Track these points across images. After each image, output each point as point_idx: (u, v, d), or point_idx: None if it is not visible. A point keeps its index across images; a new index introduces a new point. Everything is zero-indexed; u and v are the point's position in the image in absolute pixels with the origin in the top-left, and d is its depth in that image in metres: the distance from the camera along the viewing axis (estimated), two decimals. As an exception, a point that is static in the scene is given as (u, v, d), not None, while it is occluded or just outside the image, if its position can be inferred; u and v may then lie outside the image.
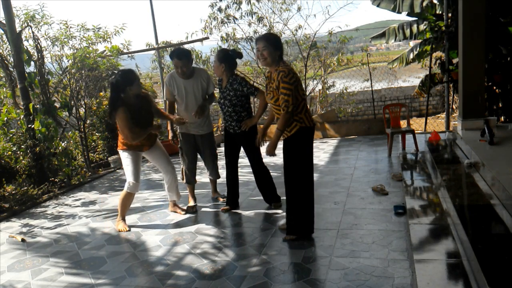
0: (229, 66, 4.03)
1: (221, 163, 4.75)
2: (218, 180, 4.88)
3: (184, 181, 4.59)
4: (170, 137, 4.45)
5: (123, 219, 4.24)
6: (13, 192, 5.67)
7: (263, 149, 3.88)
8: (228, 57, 4.04)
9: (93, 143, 8.18)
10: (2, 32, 6.20)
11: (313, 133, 3.39)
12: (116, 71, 7.11)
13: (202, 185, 5.35)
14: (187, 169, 4.50)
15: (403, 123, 6.59)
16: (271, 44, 3.24)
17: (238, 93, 4.02)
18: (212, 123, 4.67)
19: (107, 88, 7.76)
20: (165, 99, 4.39)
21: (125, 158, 4.07)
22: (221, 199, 4.72)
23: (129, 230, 4.13)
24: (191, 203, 4.56)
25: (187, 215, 4.41)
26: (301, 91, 3.27)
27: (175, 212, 4.54)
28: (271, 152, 3.40)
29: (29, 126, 5.90)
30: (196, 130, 4.35)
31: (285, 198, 3.53)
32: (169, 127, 4.47)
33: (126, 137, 3.88)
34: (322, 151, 6.89)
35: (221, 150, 8.00)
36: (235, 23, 8.87)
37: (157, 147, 4.26)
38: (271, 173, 4.35)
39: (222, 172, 4.70)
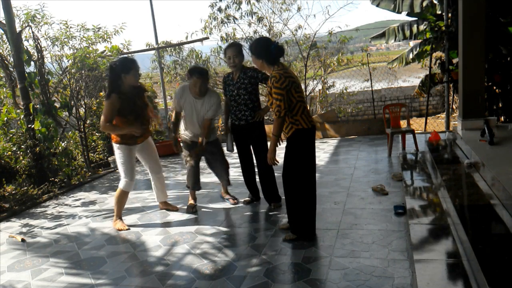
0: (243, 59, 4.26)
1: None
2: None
3: (190, 187, 4.55)
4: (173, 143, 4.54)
5: (120, 218, 4.24)
6: (13, 192, 5.67)
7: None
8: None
9: (93, 143, 8.18)
10: (2, 32, 6.21)
11: (312, 135, 3.36)
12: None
13: (202, 185, 5.33)
14: (192, 175, 4.45)
15: (403, 123, 6.59)
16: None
17: (253, 80, 4.16)
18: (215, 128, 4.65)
19: (107, 87, 7.76)
20: (172, 108, 4.41)
21: (119, 154, 4.05)
22: (232, 201, 4.65)
23: (129, 229, 4.14)
24: (191, 202, 4.55)
25: (187, 215, 4.41)
26: (296, 93, 3.23)
27: (168, 209, 4.59)
28: (271, 159, 3.38)
29: (29, 126, 5.90)
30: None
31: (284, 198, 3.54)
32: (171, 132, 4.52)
33: (101, 122, 3.89)
34: (322, 151, 6.89)
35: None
36: (235, 23, 8.88)
37: (148, 145, 4.25)
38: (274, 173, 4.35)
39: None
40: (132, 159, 4.10)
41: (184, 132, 4.42)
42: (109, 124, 3.87)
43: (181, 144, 4.52)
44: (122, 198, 4.18)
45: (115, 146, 4.08)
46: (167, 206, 4.62)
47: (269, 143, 3.72)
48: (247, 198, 4.60)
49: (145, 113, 4.14)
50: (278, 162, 3.42)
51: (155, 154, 4.34)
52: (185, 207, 4.57)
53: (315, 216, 3.48)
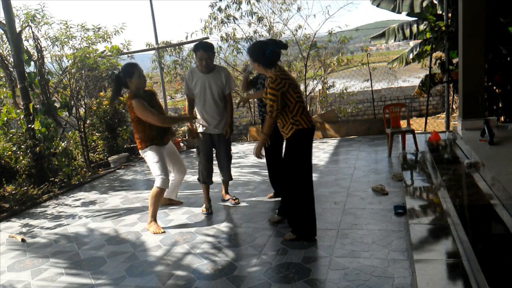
0: None
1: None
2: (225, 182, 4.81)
3: (201, 180, 4.47)
4: (190, 125, 4.43)
5: (155, 220, 4.10)
6: (13, 192, 5.67)
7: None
8: None
9: (93, 143, 8.18)
10: (2, 32, 6.21)
11: (311, 135, 3.40)
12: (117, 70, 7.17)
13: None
14: (204, 168, 4.41)
15: (403, 123, 6.59)
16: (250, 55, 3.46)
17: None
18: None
19: (107, 88, 7.78)
20: (186, 94, 4.43)
21: (151, 155, 4.05)
22: (233, 201, 4.64)
23: (164, 232, 4.00)
24: (207, 204, 4.49)
25: (187, 215, 4.42)
26: (295, 94, 3.28)
27: (172, 203, 4.70)
28: (257, 154, 3.46)
29: (29, 126, 5.90)
30: (213, 129, 4.31)
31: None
32: (189, 125, 4.46)
33: (157, 121, 3.91)
34: (322, 151, 6.89)
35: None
36: (235, 23, 8.89)
37: (173, 147, 4.34)
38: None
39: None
40: (163, 157, 4.11)
41: (200, 123, 4.33)
42: (160, 117, 3.95)
43: (199, 135, 4.42)
44: (159, 197, 4.08)
45: (145, 151, 4.05)
46: (171, 202, 4.73)
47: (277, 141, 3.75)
48: (271, 194, 4.67)
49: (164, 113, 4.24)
50: (262, 156, 3.53)
51: (179, 154, 4.47)
52: (184, 204, 4.57)
53: (315, 216, 3.49)
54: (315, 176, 5.23)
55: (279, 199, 4.55)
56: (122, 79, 3.99)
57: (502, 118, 6.90)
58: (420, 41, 9.13)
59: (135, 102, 3.86)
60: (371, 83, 9.04)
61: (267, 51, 3.30)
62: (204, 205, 4.50)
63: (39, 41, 6.32)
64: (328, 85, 10.16)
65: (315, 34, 8.96)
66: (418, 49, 9.30)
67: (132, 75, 3.95)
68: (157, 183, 4.02)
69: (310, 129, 3.34)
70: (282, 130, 3.40)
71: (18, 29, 6.01)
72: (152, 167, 4.07)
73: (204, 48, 4.16)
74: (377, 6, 8.97)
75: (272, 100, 3.21)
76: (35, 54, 6.29)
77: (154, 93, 4.33)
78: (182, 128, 9.00)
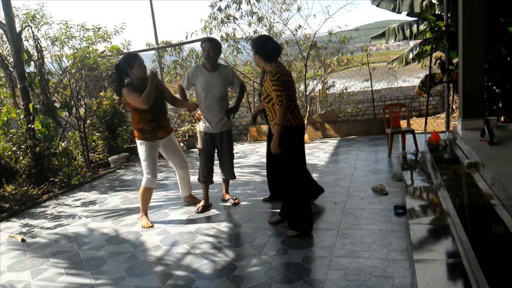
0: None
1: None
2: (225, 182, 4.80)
3: (201, 180, 4.48)
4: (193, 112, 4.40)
5: (146, 215, 4.27)
6: (13, 192, 5.67)
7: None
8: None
9: (93, 143, 8.18)
10: (2, 32, 6.21)
11: (300, 133, 3.51)
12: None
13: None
14: (205, 168, 4.41)
15: (403, 123, 6.59)
16: (254, 47, 3.55)
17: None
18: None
19: (107, 88, 7.78)
20: (181, 84, 4.42)
21: (141, 150, 4.10)
22: (233, 201, 4.63)
23: (152, 226, 4.16)
24: (202, 202, 4.51)
25: (187, 215, 4.42)
26: (289, 92, 3.38)
27: (193, 202, 4.67)
28: (275, 149, 3.42)
29: (29, 126, 5.90)
30: (215, 128, 4.30)
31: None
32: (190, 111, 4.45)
33: (141, 103, 3.85)
34: (322, 151, 6.89)
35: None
36: (235, 23, 8.88)
37: (171, 141, 4.29)
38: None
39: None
40: (154, 155, 4.12)
41: (201, 123, 4.34)
42: (143, 97, 3.83)
43: (198, 135, 4.43)
44: (146, 195, 4.21)
45: (138, 143, 4.13)
46: (193, 200, 4.72)
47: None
48: (266, 197, 4.62)
49: (160, 103, 4.12)
50: (280, 151, 3.46)
51: (179, 148, 4.42)
52: (184, 204, 4.56)
53: (310, 211, 3.55)
54: (315, 176, 5.25)
55: (276, 201, 4.55)
56: (123, 69, 3.98)
57: (502, 118, 6.89)
58: (420, 41, 9.12)
59: (124, 90, 3.91)
60: (371, 83, 9.04)
61: (269, 46, 3.41)
62: (202, 203, 4.51)
63: (39, 41, 6.32)
64: (328, 85, 10.16)
65: (315, 34, 8.96)
66: (418, 49, 9.30)
67: (133, 65, 3.95)
68: (143, 181, 4.16)
69: (298, 127, 3.45)
70: (271, 124, 3.50)
71: (18, 29, 6.01)
72: (142, 164, 4.18)
73: (208, 40, 4.35)
74: (377, 6, 8.97)
75: (279, 90, 3.30)
76: (35, 54, 6.29)
77: (158, 83, 4.25)
78: (182, 128, 9.00)
